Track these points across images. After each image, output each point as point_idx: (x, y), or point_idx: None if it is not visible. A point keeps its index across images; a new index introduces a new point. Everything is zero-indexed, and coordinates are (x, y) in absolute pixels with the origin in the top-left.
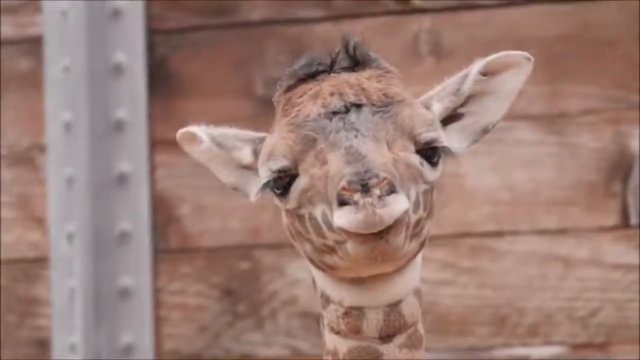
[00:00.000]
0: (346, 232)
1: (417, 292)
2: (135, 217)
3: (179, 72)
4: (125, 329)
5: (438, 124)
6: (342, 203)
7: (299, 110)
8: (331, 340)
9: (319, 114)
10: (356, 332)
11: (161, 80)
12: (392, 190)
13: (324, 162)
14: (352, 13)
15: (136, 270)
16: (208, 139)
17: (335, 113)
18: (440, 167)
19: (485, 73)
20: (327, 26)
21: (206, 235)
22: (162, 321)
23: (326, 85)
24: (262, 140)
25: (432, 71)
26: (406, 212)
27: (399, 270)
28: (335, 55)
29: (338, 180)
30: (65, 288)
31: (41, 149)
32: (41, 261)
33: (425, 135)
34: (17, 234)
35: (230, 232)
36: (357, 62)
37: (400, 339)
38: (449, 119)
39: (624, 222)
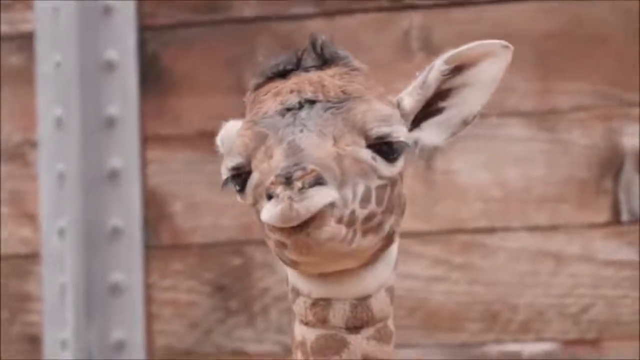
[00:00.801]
0: (271, 227)
1: (390, 289)
2: (126, 213)
3: (171, 68)
4: (116, 325)
5: (397, 119)
6: (269, 197)
7: (259, 108)
8: (300, 332)
9: (276, 111)
10: (323, 321)
11: (153, 76)
12: (318, 183)
13: (270, 157)
14: (344, 9)
15: (127, 267)
16: (220, 148)
17: (289, 109)
18: (400, 162)
19: (463, 65)
20: (319, 23)
21: (198, 231)
22: (153, 317)
23: (289, 83)
24: None
25: (423, 67)
26: (331, 205)
27: (366, 265)
28: (301, 53)
29: (274, 173)
30: (57, 284)
31: (33, 145)
32: (32, 257)
33: (377, 130)
34: (9, 230)
35: (222, 228)
36: (324, 61)
37: (368, 332)
38: (430, 114)
39: (615, 219)
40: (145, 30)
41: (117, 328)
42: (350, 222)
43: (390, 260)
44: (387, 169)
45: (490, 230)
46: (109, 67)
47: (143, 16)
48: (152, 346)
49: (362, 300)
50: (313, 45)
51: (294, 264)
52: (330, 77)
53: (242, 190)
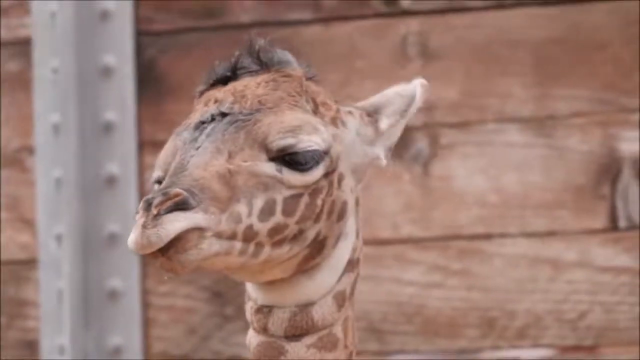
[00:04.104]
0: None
1: (338, 295)
2: (124, 218)
3: (168, 74)
4: (113, 331)
5: (309, 129)
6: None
7: (189, 118)
8: (248, 335)
9: (193, 123)
10: (263, 329)
11: (150, 82)
12: (178, 208)
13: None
14: (341, 15)
15: (125, 272)
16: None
17: (203, 122)
18: (316, 171)
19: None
20: (316, 28)
21: None
22: (150, 323)
23: (220, 92)
24: None
25: (420, 73)
26: (192, 230)
27: (307, 273)
28: (236, 59)
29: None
30: (54, 289)
31: (30, 150)
32: (30, 263)
33: (278, 143)
34: (6, 236)
35: None
36: (261, 65)
37: (309, 339)
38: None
39: (613, 225)
40: (142, 36)
41: (114, 333)
42: (248, 236)
43: (336, 266)
44: (298, 179)
45: (488, 237)
46: (106, 72)
47: (140, 22)
48: (149, 352)
49: (304, 307)
50: (250, 50)
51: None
52: (255, 86)
53: None
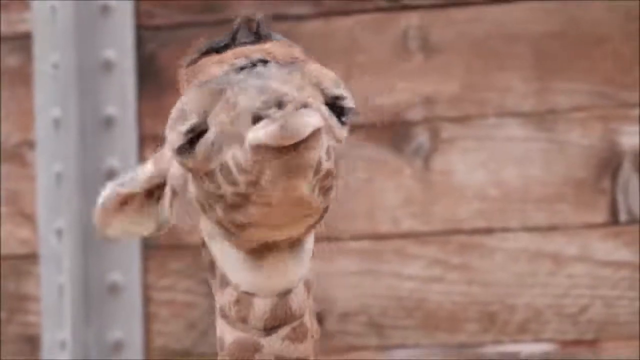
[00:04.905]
0: (259, 150)
1: (307, 283)
2: None
3: (169, 68)
4: (114, 325)
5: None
6: (256, 120)
7: (203, 75)
8: (221, 328)
9: (225, 72)
10: (243, 321)
11: (150, 76)
12: (307, 106)
13: (233, 106)
14: (341, 10)
15: (126, 267)
16: (115, 189)
17: (242, 69)
18: (346, 130)
19: None
20: (317, 23)
21: (196, 231)
22: (151, 317)
23: (230, 53)
24: (157, 151)
25: (421, 68)
26: (321, 131)
27: (293, 252)
28: (236, 27)
29: (251, 108)
30: (55, 284)
31: (30, 145)
32: (30, 257)
33: (333, 90)
34: (6, 230)
35: None
36: (259, 38)
37: (284, 331)
38: None
39: (613, 219)
40: (143, 30)
41: (115, 328)
42: (318, 169)
43: (309, 248)
44: (339, 131)
45: (488, 231)
46: (107, 67)
47: (141, 16)
48: (150, 346)
49: (284, 296)
50: (248, 23)
51: (242, 229)
52: (271, 46)
53: (192, 150)
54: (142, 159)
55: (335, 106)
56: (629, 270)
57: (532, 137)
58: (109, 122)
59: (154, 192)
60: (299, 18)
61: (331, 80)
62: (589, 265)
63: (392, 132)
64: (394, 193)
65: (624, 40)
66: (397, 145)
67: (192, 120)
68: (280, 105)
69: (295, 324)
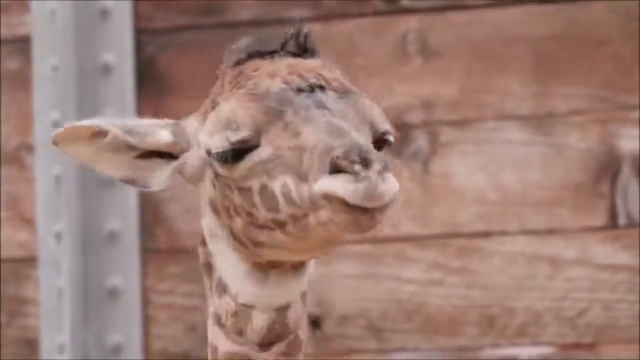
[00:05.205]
0: (332, 200)
1: (304, 296)
2: (123, 216)
3: (167, 71)
4: (113, 329)
5: None
6: (337, 171)
7: (255, 83)
8: (214, 335)
9: (282, 89)
10: (239, 333)
11: (149, 79)
12: (387, 168)
13: (296, 134)
14: (340, 13)
15: (125, 270)
16: (119, 129)
17: (300, 90)
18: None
19: None
20: (316, 26)
21: (195, 235)
22: (150, 321)
23: (281, 64)
24: (176, 124)
25: (420, 71)
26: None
27: (297, 270)
28: (288, 37)
29: (326, 149)
30: (54, 287)
31: (29, 148)
32: (30, 261)
33: (383, 126)
34: (6, 234)
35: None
36: (305, 50)
37: (279, 347)
38: None
39: (612, 223)
40: (141, 34)
41: (114, 331)
42: None
43: (311, 267)
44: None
45: (487, 234)
46: (106, 70)
47: (139, 19)
48: (149, 349)
49: (282, 311)
50: (297, 33)
51: (257, 246)
52: (319, 67)
53: (233, 162)
54: None
55: (383, 141)
56: (628, 274)
57: (531, 140)
58: None
59: (123, 146)
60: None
61: (379, 115)
62: (588, 269)
63: None
64: None
65: (623, 42)
66: (396, 149)
67: (245, 133)
68: (366, 163)
69: (290, 338)
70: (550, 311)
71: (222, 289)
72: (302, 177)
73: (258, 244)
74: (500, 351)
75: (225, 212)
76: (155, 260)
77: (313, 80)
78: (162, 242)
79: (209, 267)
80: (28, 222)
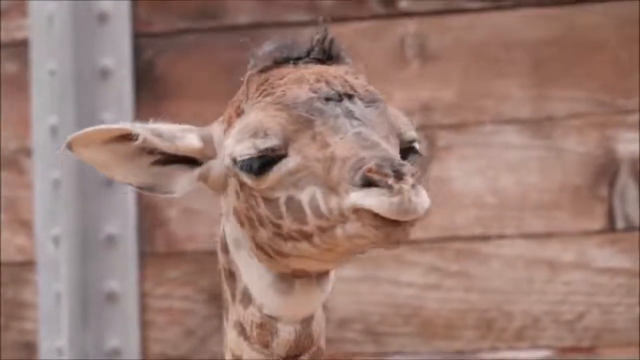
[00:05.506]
0: (363, 214)
1: (323, 306)
2: (121, 220)
3: (166, 75)
4: (111, 333)
5: None
6: (368, 184)
7: (283, 92)
8: (238, 345)
9: (310, 98)
10: (264, 345)
11: (148, 83)
12: (419, 181)
13: (325, 145)
14: (339, 17)
15: (123, 274)
16: (149, 132)
17: (328, 99)
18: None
19: None
20: (314, 30)
21: (193, 238)
22: (148, 325)
23: (307, 72)
24: (202, 130)
25: (418, 75)
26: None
27: (321, 280)
28: (313, 43)
29: (357, 162)
30: (52, 291)
31: (28, 152)
32: (28, 265)
33: (410, 134)
34: (4, 238)
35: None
36: (329, 57)
37: (304, 357)
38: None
39: (610, 226)
40: (140, 37)
41: (112, 335)
42: None
43: (333, 275)
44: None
45: (485, 238)
46: (104, 74)
47: (138, 23)
48: (147, 353)
49: (307, 323)
50: (322, 38)
51: (282, 257)
52: (345, 74)
53: (259, 173)
54: None
55: (411, 148)
56: (626, 277)
57: (529, 144)
58: None
59: (144, 151)
60: (297, 25)
61: (405, 123)
62: (586, 272)
63: None
64: None
65: (622, 46)
66: None
67: (274, 141)
68: (399, 176)
69: (313, 349)
70: (548, 314)
71: (248, 299)
72: (331, 189)
73: (283, 255)
74: (499, 355)
75: (249, 223)
76: (154, 264)
77: (340, 88)
78: (160, 246)
79: (232, 275)
80: (26, 226)
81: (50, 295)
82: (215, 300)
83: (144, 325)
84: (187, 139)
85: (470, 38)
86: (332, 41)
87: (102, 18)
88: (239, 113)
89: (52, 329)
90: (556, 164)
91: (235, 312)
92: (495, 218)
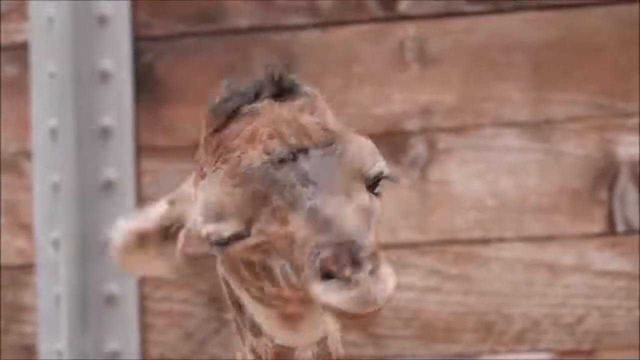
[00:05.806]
0: (329, 305)
1: None
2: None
3: (166, 78)
4: (111, 336)
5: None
6: (327, 277)
7: (238, 157)
8: None
9: (264, 163)
10: None
11: (147, 87)
12: (379, 264)
13: (284, 222)
14: (338, 20)
15: (122, 277)
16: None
17: (282, 161)
18: (379, 198)
19: None
20: (314, 34)
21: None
22: (148, 327)
23: (260, 124)
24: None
25: (418, 78)
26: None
27: None
28: (259, 86)
29: (314, 249)
30: (51, 294)
31: (27, 155)
32: (27, 267)
33: (374, 170)
34: (4, 241)
35: None
36: (283, 90)
37: None
38: None
39: (610, 229)
40: (140, 41)
41: (111, 338)
42: None
43: None
44: (377, 205)
45: (485, 241)
46: (104, 77)
47: (138, 26)
48: (146, 356)
49: (322, 343)
50: (271, 75)
51: (283, 303)
52: (300, 113)
53: (230, 245)
54: (138, 169)
55: (378, 180)
56: (626, 280)
57: (529, 147)
58: (105, 133)
59: (168, 232)
60: (297, 28)
61: (369, 156)
62: (586, 275)
63: (389, 142)
64: (391, 203)
65: (622, 49)
66: (394, 156)
67: (236, 227)
68: (356, 264)
69: None
70: (548, 318)
71: (258, 329)
72: (297, 267)
73: (274, 307)
74: (499, 358)
75: (236, 286)
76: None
77: (294, 141)
78: None
79: (239, 307)
80: (26, 228)
81: (50, 298)
82: (214, 303)
83: (144, 328)
84: (156, 208)
85: (470, 41)
86: (281, 75)
87: (102, 21)
88: (203, 176)
89: (52, 331)
90: (556, 167)
91: (247, 337)
92: (495, 221)
